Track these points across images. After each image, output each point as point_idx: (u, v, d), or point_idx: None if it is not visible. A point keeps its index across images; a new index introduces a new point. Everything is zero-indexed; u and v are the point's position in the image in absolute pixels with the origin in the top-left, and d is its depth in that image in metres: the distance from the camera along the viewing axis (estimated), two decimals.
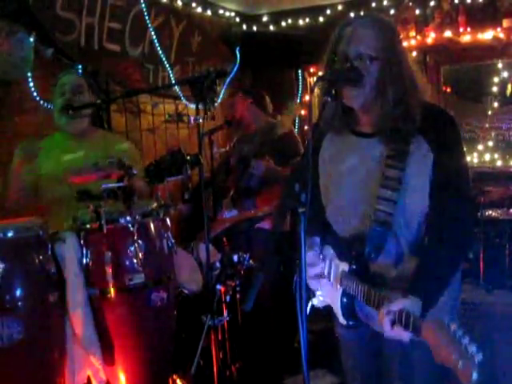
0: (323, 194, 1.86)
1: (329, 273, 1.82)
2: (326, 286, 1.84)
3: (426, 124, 1.63)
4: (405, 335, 1.48)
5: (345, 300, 1.74)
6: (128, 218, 2.29)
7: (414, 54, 4.54)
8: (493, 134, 4.74)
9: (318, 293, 1.88)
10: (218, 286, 2.77)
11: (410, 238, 1.68)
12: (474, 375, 1.24)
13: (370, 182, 1.69)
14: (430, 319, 1.40)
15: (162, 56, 4.21)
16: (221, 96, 4.74)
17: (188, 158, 2.45)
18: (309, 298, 1.89)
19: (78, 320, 2.22)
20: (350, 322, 1.76)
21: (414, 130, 1.62)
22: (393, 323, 1.49)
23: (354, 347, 1.93)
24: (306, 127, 5.45)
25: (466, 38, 4.53)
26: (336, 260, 1.79)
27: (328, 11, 5.09)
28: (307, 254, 1.79)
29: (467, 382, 1.25)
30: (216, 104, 4.36)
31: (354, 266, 1.71)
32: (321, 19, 5.16)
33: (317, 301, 1.88)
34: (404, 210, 1.64)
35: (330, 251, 1.84)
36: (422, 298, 1.52)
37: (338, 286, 1.76)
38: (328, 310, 1.87)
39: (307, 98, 5.43)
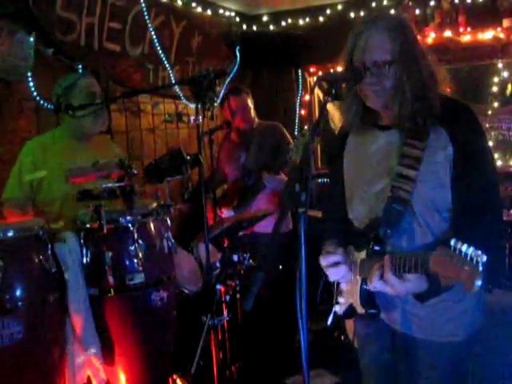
0: (348, 190, 1.88)
1: (350, 268, 1.81)
2: (347, 285, 1.84)
3: (446, 116, 1.63)
4: (391, 279, 1.53)
5: (364, 287, 1.73)
6: (128, 218, 2.30)
7: None
8: (493, 133, 4.74)
9: (339, 299, 1.87)
10: (218, 286, 2.77)
11: (433, 224, 1.66)
12: (478, 282, 1.26)
13: (389, 166, 1.70)
14: (438, 248, 1.40)
15: (162, 56, 4.21)
16: (221, 96, 4.74)
17: (188, 157, 2.45)
18: (331, 306, 1.89)
19: (78, 320, 2.22)
20: (370, 311, 1.75)
21: (434, 121, 1.63)
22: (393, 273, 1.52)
23: (372, 345, 1.93)
24: (305, 127, 5.45)
25: (466, 38, 4.53)
26: (355, 253, 1.79)
27: (328, 11, 5.10)
28: (328, 244, 1.82)
29: (471, 287, 1.27)
30: (216, 104, 4.36)
31: (372, 247, 1.69)
32: (321, 19, 5.16)
33: (338, 307, 1.87)
34: (423, 192, 1.63)
35: (350, 248, 1.84)
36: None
37: (358, 277, 1.76)
38: (349, 314, 1.86)
39: (307, 97, 5.43)
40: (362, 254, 1.74)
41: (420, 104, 1.63)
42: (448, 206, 1.65)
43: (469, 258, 1.28)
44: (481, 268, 1.26)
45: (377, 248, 1.68)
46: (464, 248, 1.30)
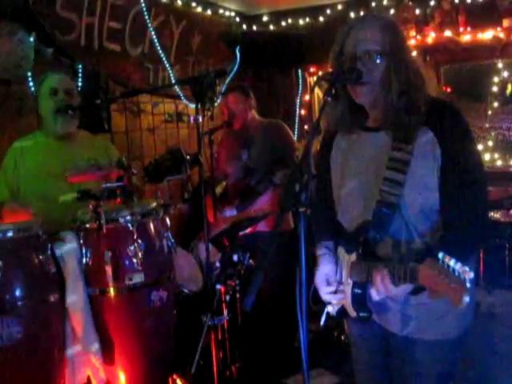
0: (336, 192, 1.88)
1: (341, 273, 1.82)
2: (339, 288, 1.84)
3: (432, 117, 1.64)
4: (393, 290, 1.54)
5: (356, 291, 1.73)
6: (128, 218, 2.29)
7: (414, 53, 4.53)
8: (493, 133, 4.74)
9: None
10: (218, 286, 2.77)
11: (421, 227, 1.66)
12: (465, 298, 1.26)
13: (377, 169, 1.70)
14: (426, 261, 1.41)
15: (162, 56, 4.22)
16: (221, 96, 4.74)
17: (187, 157, 2.45)
18: (323, 307, 1.90)
19: (78, 320, 2.22)
20: (361, 314, 1.75)
21: (420, 121, 1.63)
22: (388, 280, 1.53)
23: (364, 346, 1.94)
24: (305, 127, 5.46)
25: (466, 38, 4.53)
26: (346, 256, 1.80)
27: (328, 11, 5.10)
28: (325, 268, 1.84)
29: (458, 304, 1.27)
30: (216, 104, 4.36)
31: (361, 251, 1.70)
32: (321, 19, 5.16)
33: (331, 308, 1.88)
34: (411, 195, 1.64)
35: (341, 251, 1.85)
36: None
37: (349, 280, 1.76)
38: (341, 314, 1.87)
39: (307, 97, 5.43)
40: (353, 257, 1.75)
41: (405, 101, 1.63)
42: (436, 208, 1.66)
43: (456, 273, 1.28)
44: (468, 285, 1.26)
45: (367, 252, 1.69)
46: (452, 263, 1.30)
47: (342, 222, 1.85)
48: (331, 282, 1.83)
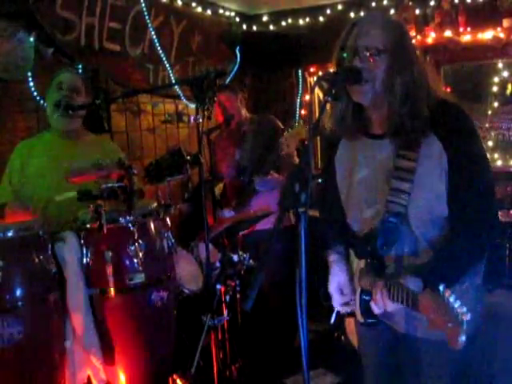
0: (343, 197, 1.87)
1: (351, 277, 1.84)
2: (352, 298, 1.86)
3: (437, 120, 1.61)
4: (390, 306, 1.56)
5: (364, 297, 1.74)
6: (128, 218, 2.30)
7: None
8: (493, 133, 4.73)
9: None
10: (218, 286, 2.77)
11: (429, 235, 1.66)
12: (462, 338, 1.28)
13: (383, 177, 1.69)
14: (426, 291, 1.42)
15: (162, 56, 4.22)
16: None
17: (188, 157, 2.45)
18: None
19: (78, 320, 2.22)
20: (369, 320, 1.76)
21: (423, 125, 1.61)
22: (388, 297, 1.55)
23: (372, 346, 1.94)
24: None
25: (466, 38, 4.53)
26: (356, 260, 1.80)
27: (328, 11, 5.09)
28: (337, 278, 1.86)
29: (455, 345, 1.29)
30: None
31: (370, 261, 1.71)
32: (321, 19, 5.16)
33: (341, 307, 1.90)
34: (418, 204, 1.63)
35: (351, 254, 1.85)
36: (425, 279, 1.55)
37: (358, 286, 1.77)
38: (351, 312, 1.88)
39: (307, 97, 5.43)
40: (361, 263, 1.76)
41: (407, 108, 1.60)
42: (443, 214, 1.65)
43: (454, 312, 1.30)
44: (465, 326, 1.28)
45: (375, 262, 1.70)
46: (451, 299, 1.32)
47: (353, 226, 1.83)
48: (345, 292, 1.84)
